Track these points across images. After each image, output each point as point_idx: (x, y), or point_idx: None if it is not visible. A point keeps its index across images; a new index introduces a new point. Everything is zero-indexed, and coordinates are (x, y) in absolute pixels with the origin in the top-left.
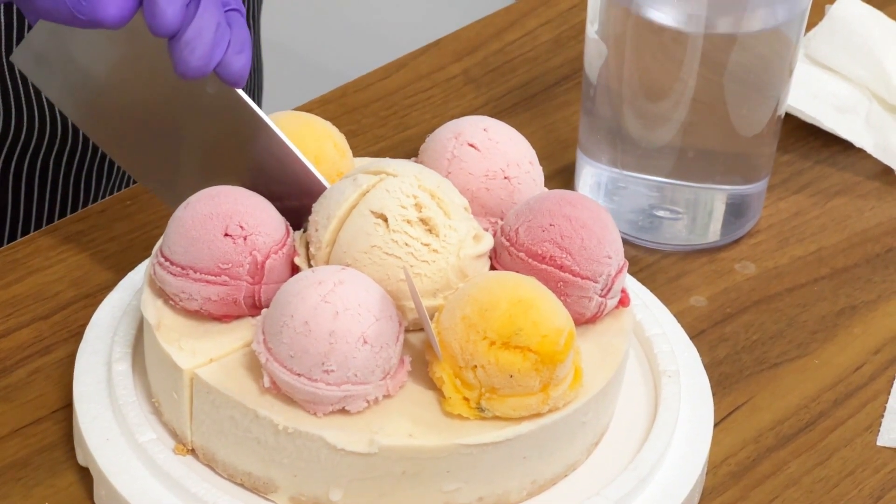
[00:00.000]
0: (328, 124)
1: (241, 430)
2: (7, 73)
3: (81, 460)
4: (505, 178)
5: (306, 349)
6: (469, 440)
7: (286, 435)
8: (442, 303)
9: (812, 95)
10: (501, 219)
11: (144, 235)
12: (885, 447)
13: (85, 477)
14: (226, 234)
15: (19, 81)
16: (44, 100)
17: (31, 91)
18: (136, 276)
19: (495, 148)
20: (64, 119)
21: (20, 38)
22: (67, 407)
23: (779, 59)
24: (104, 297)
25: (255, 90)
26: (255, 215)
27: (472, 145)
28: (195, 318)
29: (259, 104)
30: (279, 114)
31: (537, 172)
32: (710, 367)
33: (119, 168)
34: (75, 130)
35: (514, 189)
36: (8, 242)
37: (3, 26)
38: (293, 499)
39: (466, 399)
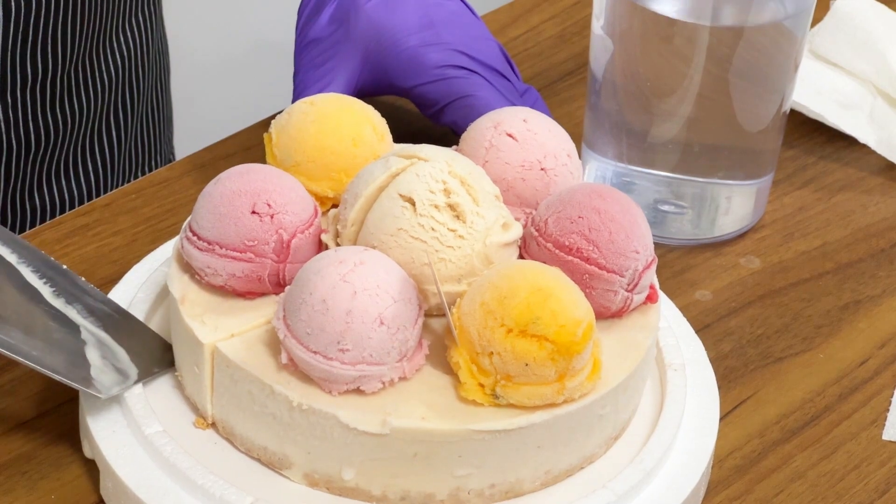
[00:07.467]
0: (368, 107)
1: (258, 405)
2: None
3: (88, 453)
4: (541, 169)
5: (323, 327)
6: (481, 426)
7: (300, 412)
8: (466, 289)
9: (816, 91)
10: (536, 209)
11: (149, 229)
12: (890, 441)
13: (91, 470)
14: (253, 212)
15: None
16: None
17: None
18: (141, 270)
19: (533, 139)
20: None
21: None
22: (72, 401)
23: (784, 55)
24: (109, 290)
25: (163, 71)
26: (284, 194)
27: (510, 135)
28: (220, 295)
29: (168, 83)
30: (320, 96)
31: (575, 165)
32: (714, 361)
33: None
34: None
35: (550, 181)
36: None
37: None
38: (307, 476)
39: (482, 385)
